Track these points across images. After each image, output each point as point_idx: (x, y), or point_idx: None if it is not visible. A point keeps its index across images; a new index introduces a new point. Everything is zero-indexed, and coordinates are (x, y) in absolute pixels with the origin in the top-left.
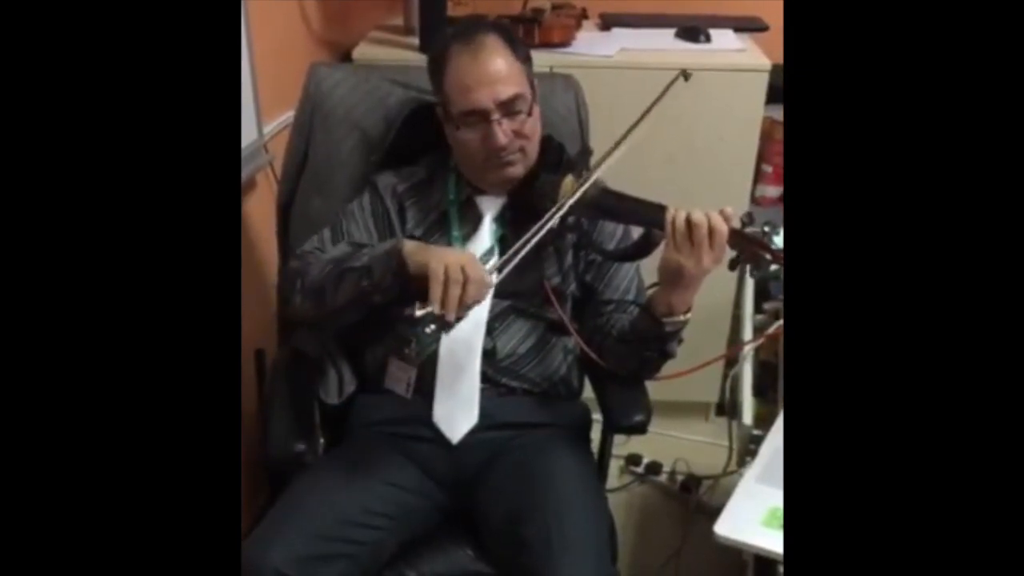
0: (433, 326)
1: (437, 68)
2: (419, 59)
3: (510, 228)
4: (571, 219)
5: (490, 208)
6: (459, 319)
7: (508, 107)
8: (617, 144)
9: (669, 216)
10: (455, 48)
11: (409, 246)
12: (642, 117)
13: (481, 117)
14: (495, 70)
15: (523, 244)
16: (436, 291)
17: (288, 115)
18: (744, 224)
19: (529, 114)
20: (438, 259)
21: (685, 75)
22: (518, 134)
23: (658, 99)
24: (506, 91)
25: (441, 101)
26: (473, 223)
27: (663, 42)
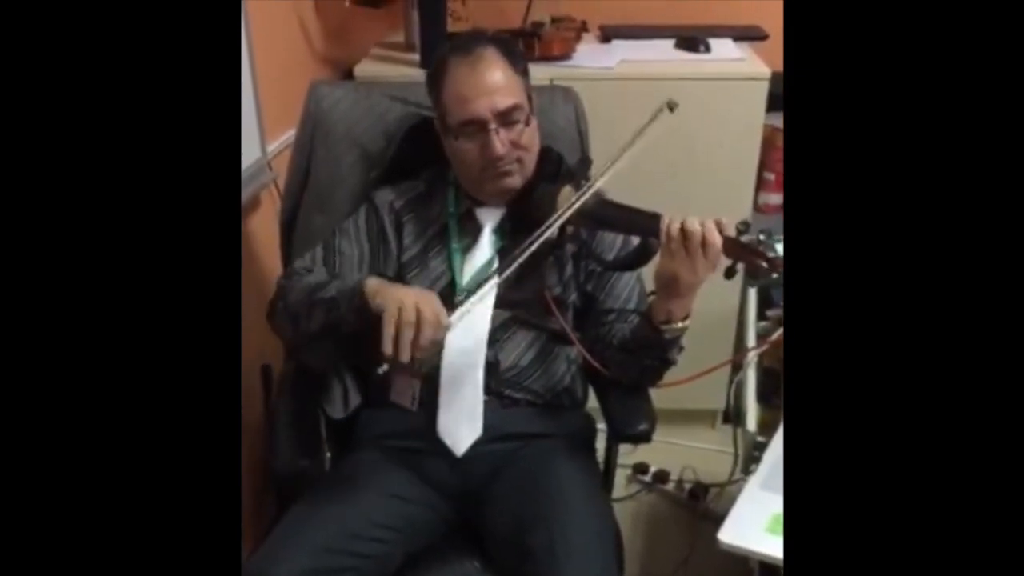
0: (386, 366)
1: (435, 80)
2: (420, 75)
3: (509, 239)
4: (570, 229)
5: (489, 219)
6: (416, 362)
7: (505, 117)
8: (608, 167)
9: (664, 224)
10: (453, 60)
11: (371, 285)
12: (629, 143)
13: (479, 127)
14: (492, 81)
15: (519, 254)
16: (388, 332)
17: (291, 133)
18: (740, 232)
19: (527, 125)
20: (394, 299)
21: (671, 107)
22: (515, 144)
23: (644, 128)
24: (503, 101)
25: (439, 113)
26: (472, 235)
27: (663, 53)
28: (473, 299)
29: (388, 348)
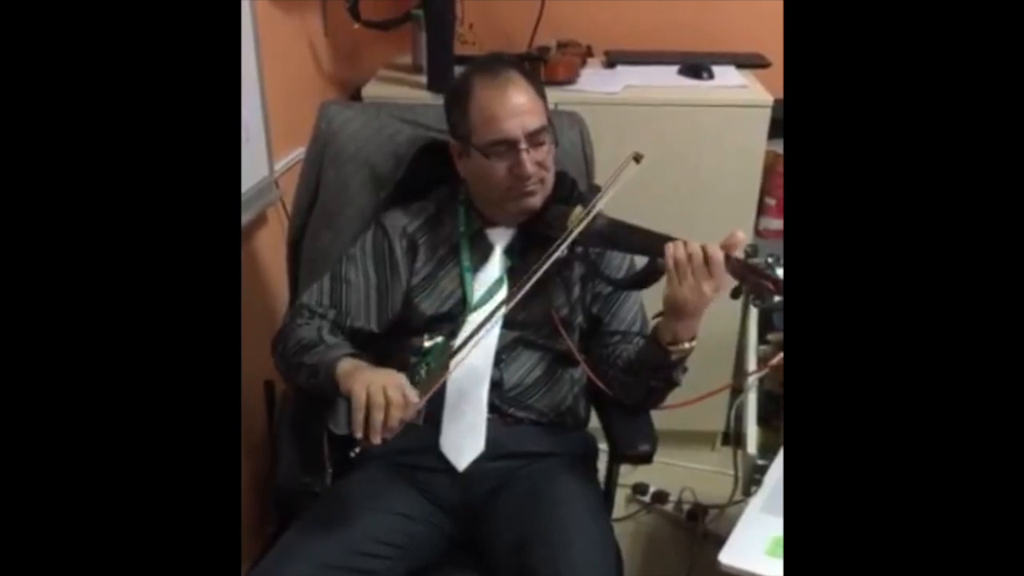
0: (358, 449)
1: (459, 100)
2: (428, 97)
3: (519, 259)
4: (579, 249)
5: (500, 240)
6: (385, 440)
7: (534, 138)
8: (584, 217)
9: (668, 250)
10: (480, 81)
11: (342, 368)
12: (602, 193)
13: (509, 146)
14: (521, 102)
15: (528, 278)
16: (358, 417)
17: (298, 152)
18: (748, 255)
19: (556, 145)
20: (361, 384)
21: (636, 159)
22: (540, 165)
23: (612, 178)
24: (533, 123)
25: (463, 132)
26: (483, 254)
27: (667, 79)
28: (470, 344)
29: (358, 432)
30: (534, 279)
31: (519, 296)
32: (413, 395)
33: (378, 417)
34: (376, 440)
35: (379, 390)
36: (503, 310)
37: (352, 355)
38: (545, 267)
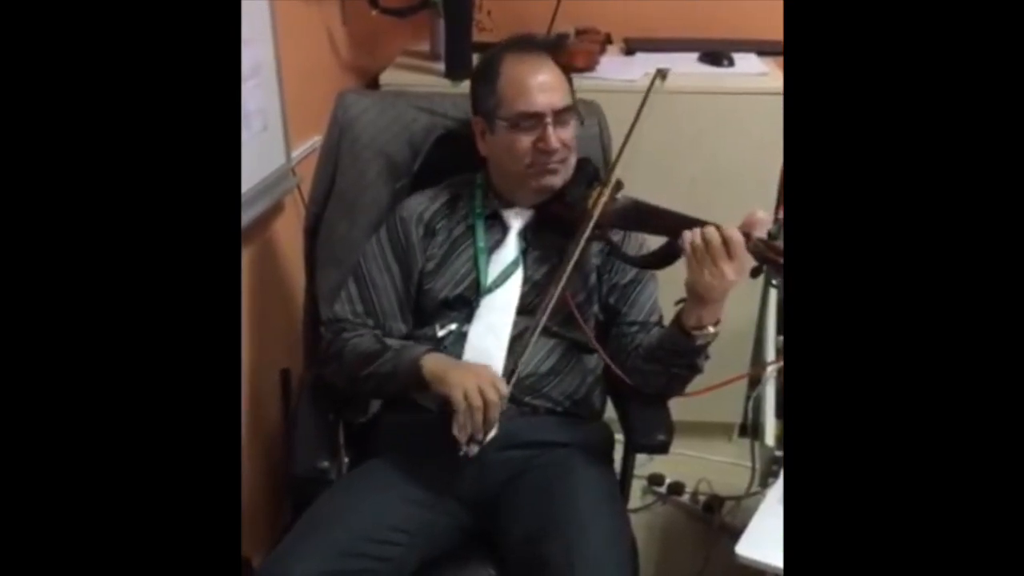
0: (470, 447)
1: (488, 74)
2: (445, 84)
3: (535, 241)
4: (598, 231)
5: (516, 221)
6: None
7: (560, 116)
8: (620, 152)
9: (686, 237)
10: (510, 57)
11: (429, 365)
12: (634, 122)
13: (537, 120)
14: (550, 79)
15: (571, 254)
16: (462, 420)
17: (315, 139)
18: (772, 236)
19: (582, 123)
20: (458, 388)
21: (663, 75)
22: (564, 143)
23: (643, 101)
24: (561, 101)
25: (490, 106)
26: (499, 235)
27: (687, 66)
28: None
29: (465, 435)
30: (577, 253)
31: (568, 271)
32: (504, 387)
33: (479, 419)
34: (482, 439)
35: (476, 391)
36: (557, 292)
37: (428, 351)
38: (586, 235)
